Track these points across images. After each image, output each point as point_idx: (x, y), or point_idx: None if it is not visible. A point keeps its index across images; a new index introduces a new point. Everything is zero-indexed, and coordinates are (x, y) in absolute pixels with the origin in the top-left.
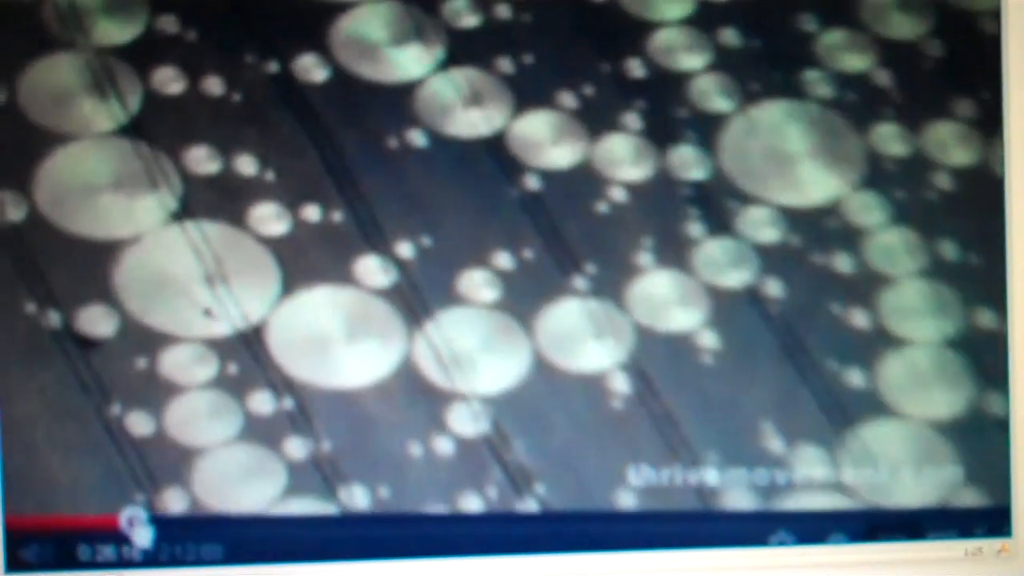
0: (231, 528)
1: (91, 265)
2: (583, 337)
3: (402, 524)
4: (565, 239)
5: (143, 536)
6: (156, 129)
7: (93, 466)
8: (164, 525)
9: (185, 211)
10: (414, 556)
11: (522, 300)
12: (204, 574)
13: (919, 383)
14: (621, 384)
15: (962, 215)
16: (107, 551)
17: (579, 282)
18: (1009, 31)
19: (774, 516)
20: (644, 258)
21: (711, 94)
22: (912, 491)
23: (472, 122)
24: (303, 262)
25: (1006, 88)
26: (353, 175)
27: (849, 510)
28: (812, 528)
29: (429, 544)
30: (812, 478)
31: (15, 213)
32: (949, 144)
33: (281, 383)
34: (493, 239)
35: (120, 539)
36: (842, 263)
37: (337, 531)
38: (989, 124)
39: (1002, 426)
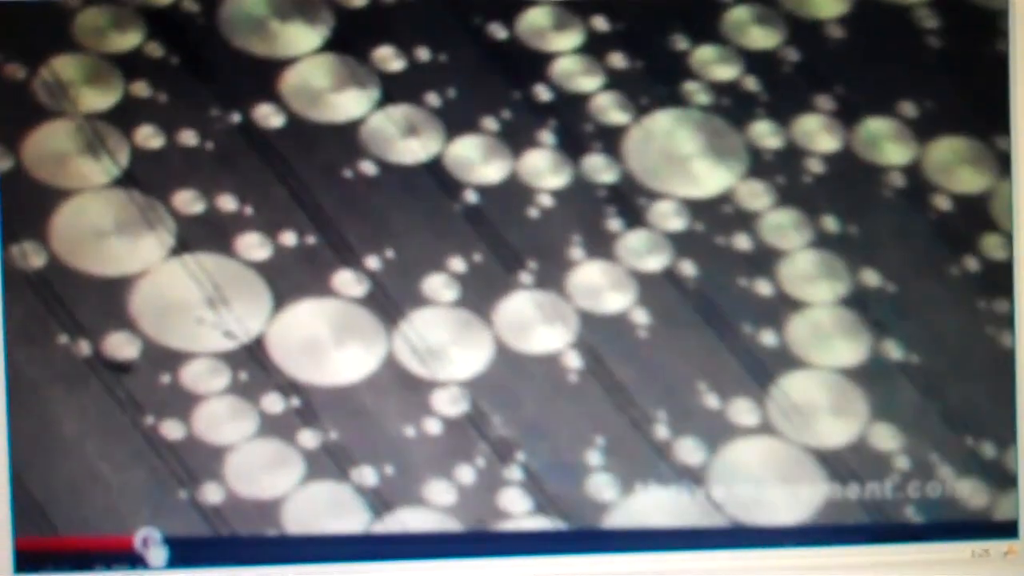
0: (243, 549)
1: (109, 298)
2: (535, 324)
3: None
4: (507, 242)
5: (157, 556)
6: (145, 179)
7: (134, 476)
8: (177, 546)
9: (181, 246)
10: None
11: (478, 297)
12: None
13: (823, 338)
14: (574, 361)
15: (836, 192)
16: (121, 571)
17: (524, 277)
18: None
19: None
20: (576, 252)
21: (609, 109)
22: (833, 432)
23: (412, 150)
24: (288, 281)
25: (1013, 90)
26: (319, 203)
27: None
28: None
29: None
30: (747, 425)
31: (37, 260)
32: (815, 133)
33: (287, 385)
34: (446, 247)
35: (135, 559)
36: (742, 242)
37: (356, 549)
38: (846, 115)
39: (902, 369)
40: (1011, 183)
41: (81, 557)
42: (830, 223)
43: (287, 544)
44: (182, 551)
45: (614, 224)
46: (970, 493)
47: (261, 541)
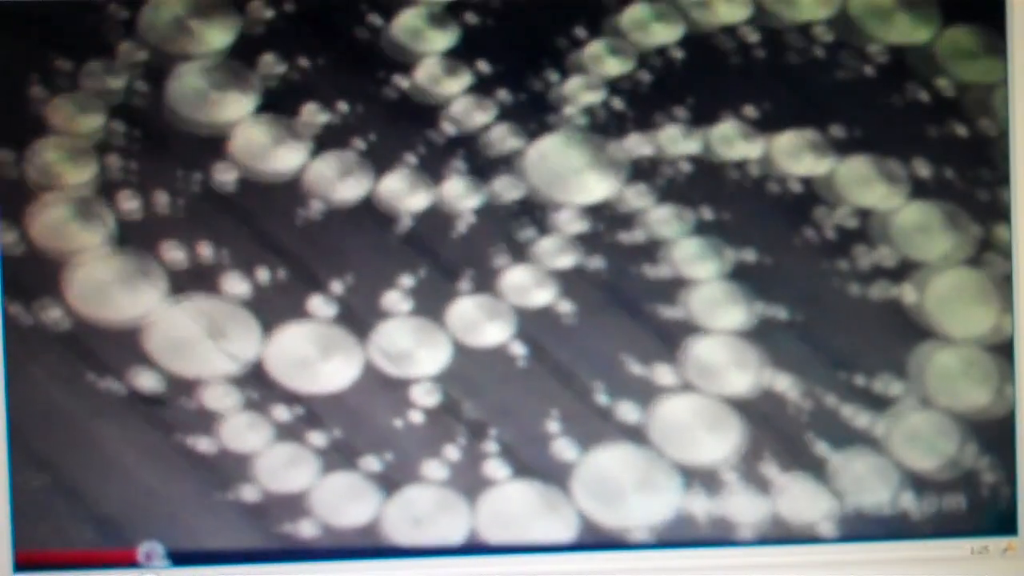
0: (244, 563)
1: (126, 341)
2: (481, 322)
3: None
4: (443, 257)
5: (160, 570)
6: (133, 237)
7: (180, 488)
8: (180, 559)
9: (176, 290)
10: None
11: (430, 306)
12: None
13: (717, 306)
14: (519, 349)
15: (704, 186)
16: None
17: (464, 285)
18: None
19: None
20: (502, 259)
21: (505, 138)
22: (740, 383)
23: (350, 189)
24: (270, 310)
25: (1011, 90)
26: (282, 242)
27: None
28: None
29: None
30: (669, 385)
31: (58, 314)
32: (677, 139)
33: (290, 398)
34: (394, 267)
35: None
36: (635, 236)
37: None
38: (699, 121)
39: (788, 326)
40: (1010, 174)
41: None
42: (706, 212)
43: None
44: (184, 564)
45: (528, 232)
46: (868, 424)
47: (265, 554)
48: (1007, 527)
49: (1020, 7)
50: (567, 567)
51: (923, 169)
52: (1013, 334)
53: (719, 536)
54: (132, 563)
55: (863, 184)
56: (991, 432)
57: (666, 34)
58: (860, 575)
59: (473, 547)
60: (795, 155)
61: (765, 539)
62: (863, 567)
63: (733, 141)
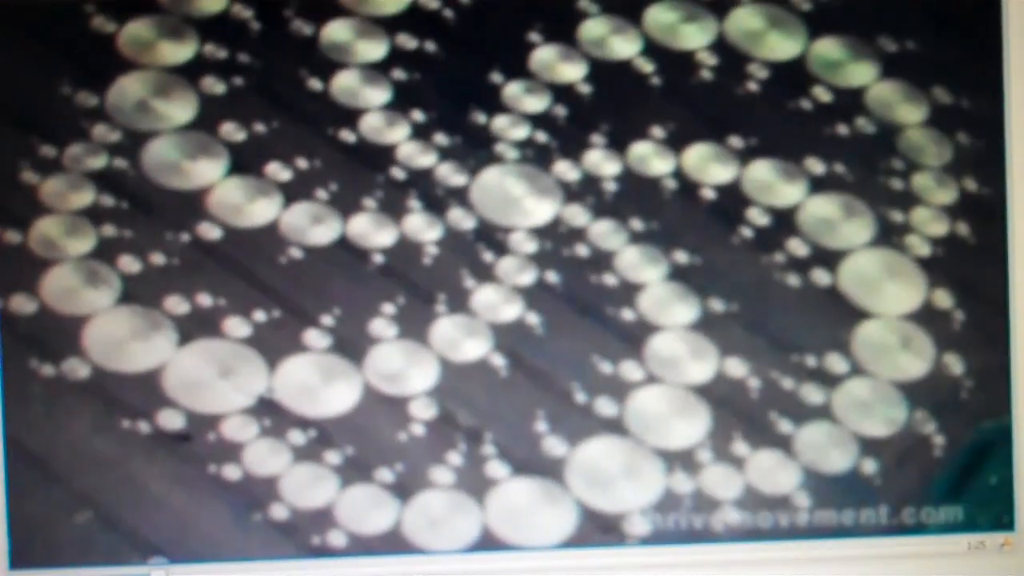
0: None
1: (147, 386)
2: (462, 338)
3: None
4: (417, 285)
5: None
6: (140, 295)
7: (216, 512)
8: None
9: (185, 338)
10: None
11: (413, 329)
12: None
13: (665, 306)
14: (499, 361)
15: (632, 201)
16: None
17: (440, 308)
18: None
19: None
20: (469, 281)
21: (450, 175)
22: (699, 372)
23: (322, 233)
24: (272, 347)
25: (1007, 99)
26: (271, 285)
27: None
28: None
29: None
30: (637, 379)
31: (84, 370)
32: (601, 162)
33: (302, 423)
34: (375, 297)
35: None
36: (581, 250)
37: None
38: (617, 145)
39: (731, 317)
40: (1004, 180)
41: None
42: (637, 224)
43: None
44: None
45: (487, 256)
46: (806, 392)
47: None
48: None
49: (1015, 10)
50: (567, 563)
51: (817, 167)
52: (1010, 332)
53: (704, 511)
54: None
55: (767, 186)
56: (936, 397)
57: (572, 73)
58: (856, 571)
59: (489, 543)
60: (703, 166)
61: (762, 535)
62: (860, 563)
63: (648, 159)
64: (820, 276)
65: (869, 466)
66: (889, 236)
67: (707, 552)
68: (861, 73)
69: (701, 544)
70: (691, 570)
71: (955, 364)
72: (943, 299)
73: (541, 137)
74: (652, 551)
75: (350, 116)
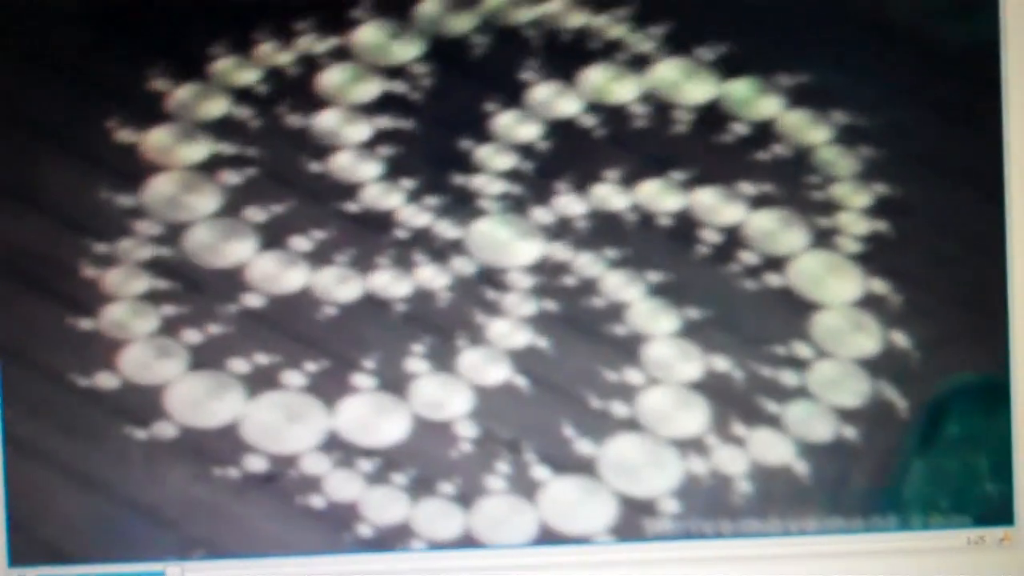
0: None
1: (230, 437)
2: (486, 366)
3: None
4: (439, 326)
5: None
6: (205, 361)
7: (312, 535)
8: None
9: (251, 392)
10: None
11: (444, 363)
12: None
13: (653, 317)
14: (521, 381)
15: (601, 234)
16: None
17: (461, 342)
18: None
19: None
20: (481, 316)
21: (448, 229)
22: (689, 371)
23: (350, 292)
24: (326, 392)
25: (1005, 91)
26: (314, 340)
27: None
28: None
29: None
30: (640, 383)
31: (172, 430)
32: (569, 203)
33: (367, 452)
34: (406, 341)
35: None
36: (570, 280)
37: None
38: (581, 187)
39: (708, 322)
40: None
41: None
42: (611, 253)
43: None
44: None
45: (492, 294)
46: (783, 376)
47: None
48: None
49: (1012, 6)
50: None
51: (750, 189)
52: (1008, 329)
53: (719, 489)
54: None
55: (712, 209)
56: (892, 369)
57: (529, 133)
58: (857, 566)
59: (547, 535)
60: (656, 198)
61: (762, 532)
62: (860, 558)
63: (608, 197)
64: (773, 279)
65: (849, 432)
66: (823, 239)
67: (717, 548)
68: (769, 106)
69: (717, 540)
70: (690, 565)
71: (901, 339)
72: (879, 286)
73: (515, 190)
74: (682, 545)
75: (350, 190)
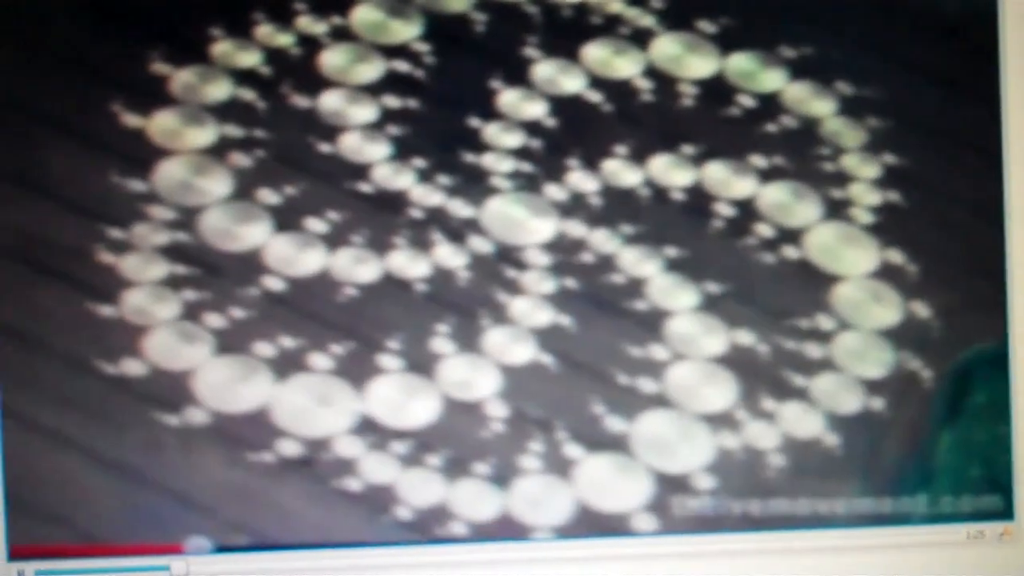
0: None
1: (260, 421)
2: (511, 344)
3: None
4: (461, 305)
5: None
6: (231, 346)
7: (349, 518)
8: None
9: (280, 376)
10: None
11: (469, 342)
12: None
13: (669, 295)
14: (548, 359)
15: (614, 210)
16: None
17: (485, 321)
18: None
19: None
20: (502, 295)
21: (462, 209)
22: (712, 346)
23: (369, 272)
24: (354, 374)
25: (1004, 90)
26: (338, 322)
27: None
28: None
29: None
30: (665, 359)
31: (203, 415)
32: (583, 180)
33: (400, 435)
34: (430, 321)
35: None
36: (587, 256)
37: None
38: (591, 166)
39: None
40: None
41: None
42: (627, 228)
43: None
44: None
45: (511, 272)
46: (807, 349)
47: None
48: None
49: (1012, 7)
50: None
51: (760, 162)
52: (1008, 328)
53: (753, 466)
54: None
55: (724, 182)
56: (914, 338)
57: (536, 110)
58: (857, 560)
59: (584, 515)
60: (668, 173)
61: (767, 525)
62: (860, 552)
63: (620, 173)
64: (790, 251)
65: (876, 404)
66: (836, 210)
67: (707, 542)
68: (773, 79)
69: (702, 535)
70: (691, 559)
71: (921, 309)
72: (895, 256)
73: (526, 167)
74: (670, 540)
75: (361, 170)
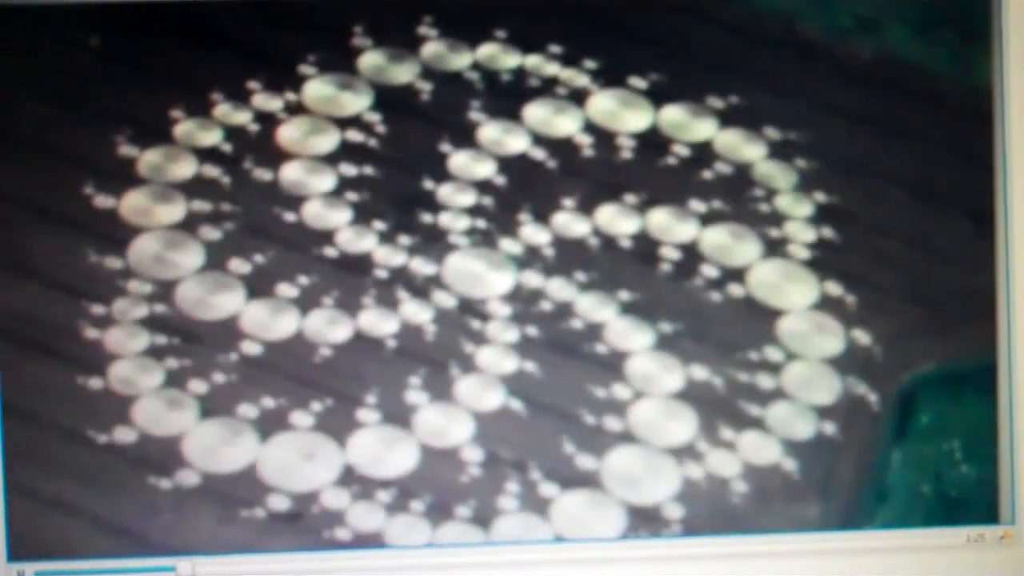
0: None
1: (250, 479)
2: (481, 392)
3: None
4: (431, 357)
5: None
6: (215, 409)
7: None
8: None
9: (264, 435)
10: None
11: (441, 392)
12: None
13: (630, 336)
14: (517, 404)
15: (570, 261)
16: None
17: (454, 371)
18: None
19: None
20: (468, 346)
21: (424, 267)
22: (671, 382)
23: (340, 333)
24: (335, 429)
25: (1006, 88)
26: (316, 381)
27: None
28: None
29: None
30: (629, 397)
31: (194, 477)
32: (533, 234)
33: (384, 483)
34: (402, 375)
35: None
36: (547, 305)
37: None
38: (542, 219)
39: (672, 337)
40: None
41: None
42: (580, 276)
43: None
44: None
45: (476, 323)
46: (760, 380)
47: None
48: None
49: (1015, 11)
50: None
51: (700, 207)
52: (1009, 329)
53: (719, 494)
54: None
55: (667, 228)
56: (858, 364)
57: (484, 170)
58: (858, 563)
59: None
60: (614, 222)
61: (765, 528)
62: (861, 555)
63: (569, 224)
64: (735, 289)
65: (829, 428)
66: (774, 248)
67: (708, 544)
68: (703, 129)
69: (704, 536)
70: (692, 562)
71: (862, 336)
72: (833, 288)
73: (480, 224)
74: (687, 542)
75: (326, 236)
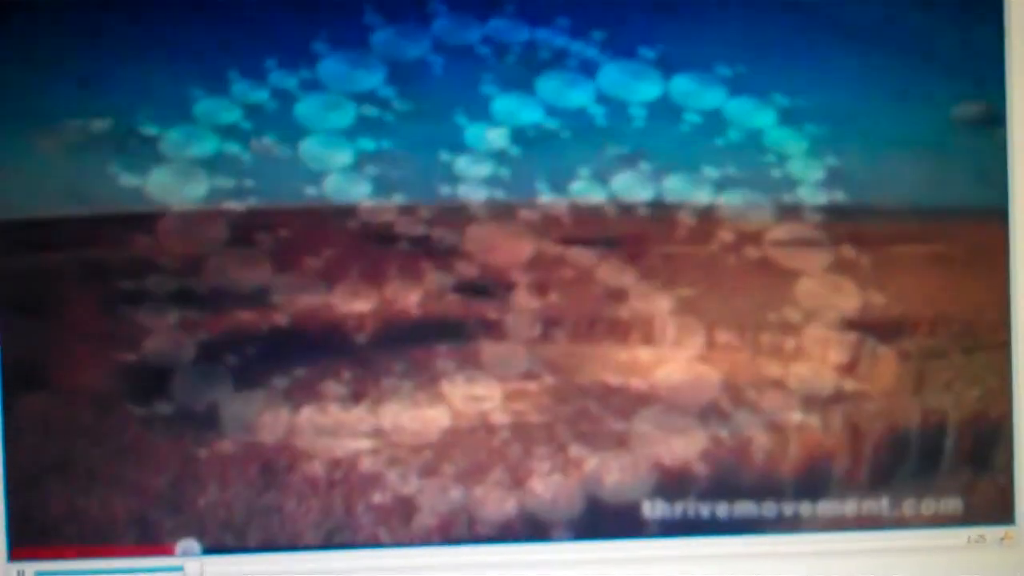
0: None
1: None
2: (509, 358)
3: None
4: (455, 328)
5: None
6: (250, 381)
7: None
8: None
9: (293, 408)
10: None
11: (469, 359)
12: None
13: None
14: (544, 370)
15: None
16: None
17: (483, 340)
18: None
19: None
20: (488, 322)
21: (446, 235)
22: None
23: (363, 306)
24: (367, 396)
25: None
26: (347, 353)
27: None
28: None
29: None
30: (636, 385)
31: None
32: (554, 205)
33: (417, 447)
34: (439, 365)
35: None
36: (567, 272)
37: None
38: (558, 190)
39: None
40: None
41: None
42: (601, 245)
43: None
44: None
45: (499, 291)
46: (784, 342)
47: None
48: None
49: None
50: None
51: (713, 173)
52: (1011, 332)
53: (741, 452)
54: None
55: (684, 194)
56: (877, 327)
57: (500, 140)
58: (860, 563)
59: (597, 512)
60: (630, 190)
61: (765, 528)
62: (862, 556)
63: (587, 192)
64: (751, 252)
65: (848, 385)
66: (786, 212)
67: (709, 545)
68: (712, 97)
69: (704, 536)
70: (692, 563)
71: (876, 297)
72: (848, 251)
73: (499, 194)
74: (682, 543)
75: (351, 210)
